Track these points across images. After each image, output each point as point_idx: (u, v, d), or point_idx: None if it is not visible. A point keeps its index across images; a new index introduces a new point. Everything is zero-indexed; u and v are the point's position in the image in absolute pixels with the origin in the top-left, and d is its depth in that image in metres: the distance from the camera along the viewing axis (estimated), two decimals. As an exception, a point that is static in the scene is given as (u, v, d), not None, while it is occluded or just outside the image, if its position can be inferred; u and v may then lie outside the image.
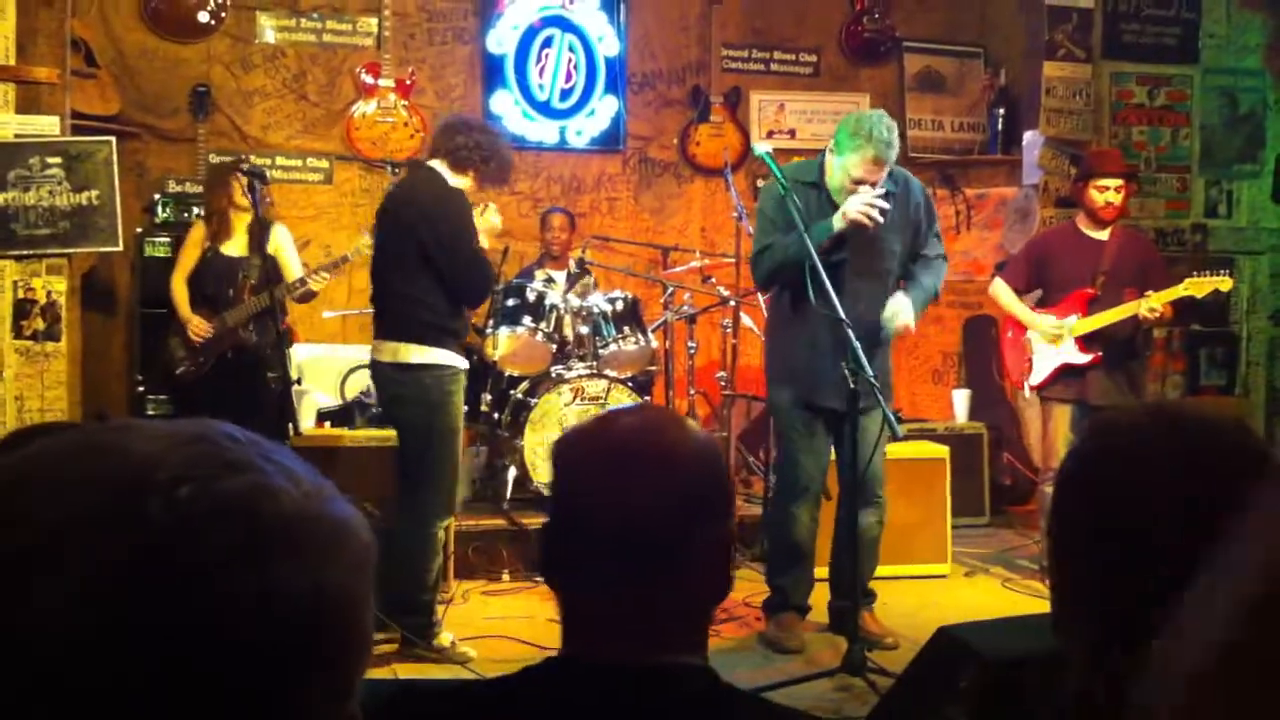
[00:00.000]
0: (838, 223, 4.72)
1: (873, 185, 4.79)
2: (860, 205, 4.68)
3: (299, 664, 0.77)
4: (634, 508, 1.38)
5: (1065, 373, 5.91)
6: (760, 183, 7.98)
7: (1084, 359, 5.86)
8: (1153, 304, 5.63)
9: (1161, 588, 1.11)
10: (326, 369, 7.13)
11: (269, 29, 7.80)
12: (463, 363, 4.88)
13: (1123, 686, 1.18)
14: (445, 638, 4.88)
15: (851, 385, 4.47)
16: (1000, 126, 8.53)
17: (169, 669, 0.72)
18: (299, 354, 6.82)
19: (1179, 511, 1.13)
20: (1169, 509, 1.14)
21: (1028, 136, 8.12)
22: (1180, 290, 5.65)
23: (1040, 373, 5.99)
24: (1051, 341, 5.90)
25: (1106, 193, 5.91)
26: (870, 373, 4.41)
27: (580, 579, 1.43)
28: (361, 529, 0.84)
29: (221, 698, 0.74)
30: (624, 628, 1.39)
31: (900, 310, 4.93)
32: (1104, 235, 5.97)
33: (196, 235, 6.04)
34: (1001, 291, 6.15)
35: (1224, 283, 5.71)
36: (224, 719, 0.74)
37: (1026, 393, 6.21)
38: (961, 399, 7.60)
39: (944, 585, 6.11)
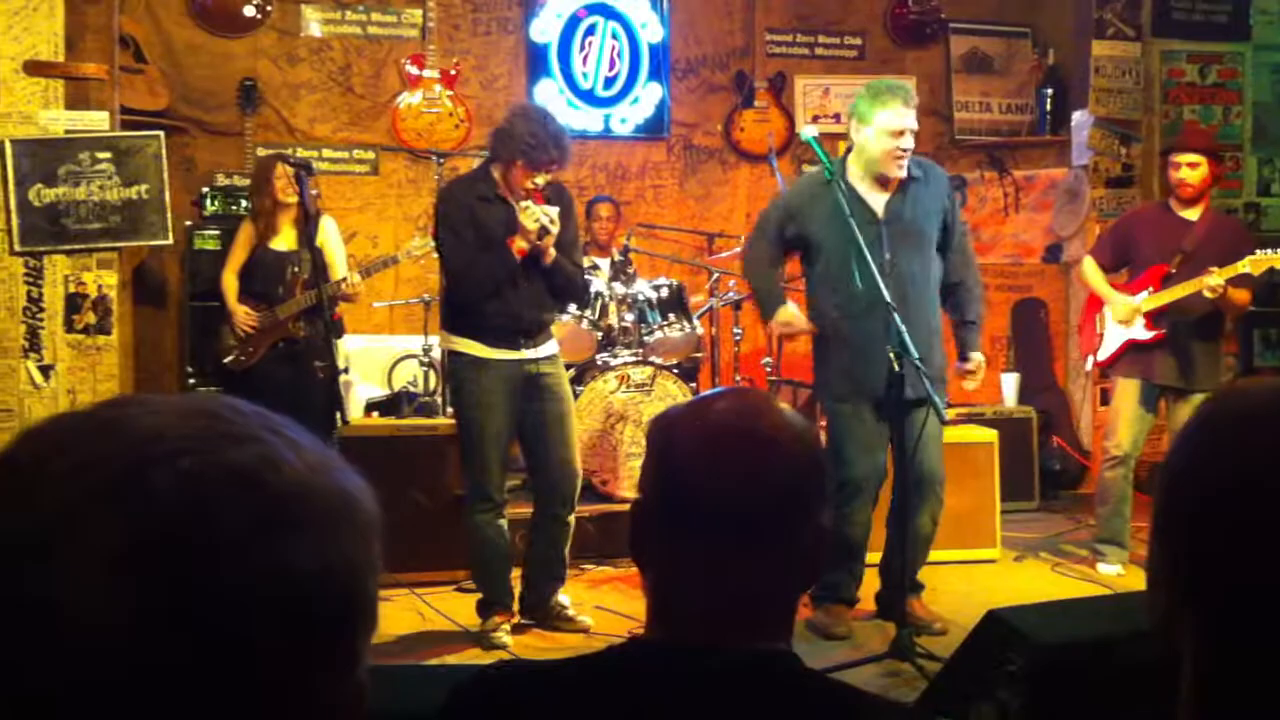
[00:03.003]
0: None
1: (912, 134, 4.84)
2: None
3: (305, 634, 0.78)
4: (736, 488, 1.37)
5: (1131, 349, 5.86)
6: (805, 168, 7.95)
7: (1148, 335, 5.79)
8: (1213, 281, 5.49)
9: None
10: (374, 359, 7.18)
11: (314, 22, 7.84)
12: (483, 349, 4.85)
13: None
14: (495, 623, 4.90)
15: (897, 369, 4.45)
16: (1049, 107, 8.43)
17: (178, 642, 0.73)
18: (347, 344, 6.87)
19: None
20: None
21: (1077, 117, 8.03)
22: (1239, 267, 5.53)
23: (1108, 348, 5.95)
24: (1122, 322, 5.84)
25: (1180, 169, 5.80)
26: (916, 357, 4.39)
27: (674, 559, 1.41)
28: (367, 500, 0.84)
29: (229, 669, 0.74)
30: (716, 610, 1.38)
31: (978, 367, 5.09)
32: (1193, 215, 5.84)
33: (245, 233, 6.10)
34: (1088, 269, 6.11)
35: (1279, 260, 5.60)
36: (232, 690, 0.75)
37: (1089, 365, 6.16)
38: (1010, 383, 7.54)
39: (993, 570, 6.07)
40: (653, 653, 1.41)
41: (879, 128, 4.81)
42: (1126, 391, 5.88)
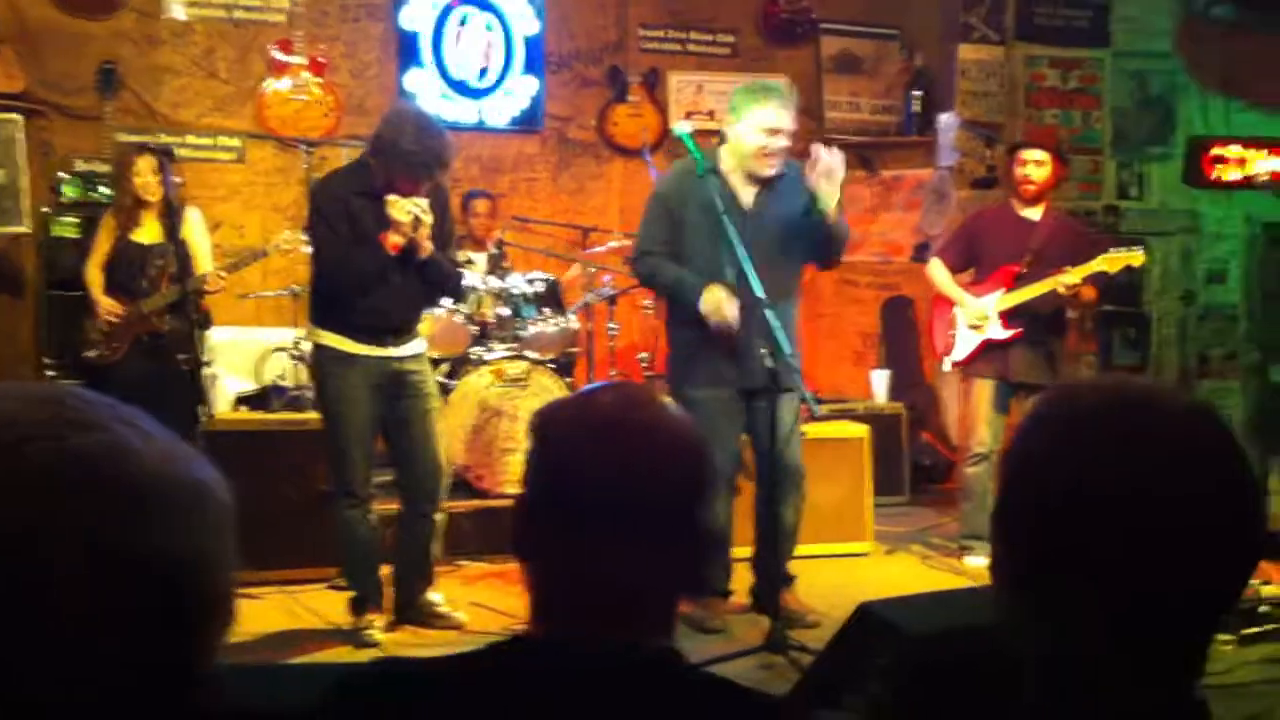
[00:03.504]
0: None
1: (786, 135, 4.83)
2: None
3: (154, 624, 0.75)
4: (617, 480, 1.36)
5: (987, 349, 5.98)
6: (677, 161, 7.97)
7: (1005, 335, 5.93)
8: (1069, 279, 5.68)
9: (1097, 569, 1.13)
10: (243, 352, 7.02)
11: (177, 5, 7.62)
12: (349, 345, 4.78)
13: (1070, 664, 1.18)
14: (367, 620, 4.83)
15: (770, 365, 4.49)
16: (916, 108, 8.60)
17: (16, 627, 0.70)
18: (215, 337, 6.70)
19: (1124, 496, 1.11)
20: (1115, 493, 1.12)
21: (943, 119, 8.19)
22: (1095, 265, 5.71)
23: (963, 349, 6.05)
24: (974, 327, 5.96)
25: (1026, 166, 5.97)
26: (789, 352, 4.44)
27: (556, 552, 1.39)
28: (220, 491, 0.82)
29: (70, 657, 0.72)
30: (597, 605, 1.37)
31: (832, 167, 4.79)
32: (1036, 215, 6.03)
33: (108, 225, 5.91)
34: (935, 270, 6.21)
35: (1136, 257, 5.78)
36: (74, 676, 0.72)
37: (946, 367, 6.27)
38: (881, 379, 7.66)
39: (865, 563, 6.16)
40: (535, 649, 1.39)
41: (753, 124, 4.85)
42: (983, 391, 6.02)
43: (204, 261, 5.84)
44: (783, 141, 4.86)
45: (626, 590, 1.38)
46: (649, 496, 1.37)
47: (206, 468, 0.83)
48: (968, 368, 6.08)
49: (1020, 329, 5.91)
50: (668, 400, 1.53)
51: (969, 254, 6.17)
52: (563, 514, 1.38)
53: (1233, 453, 1.14)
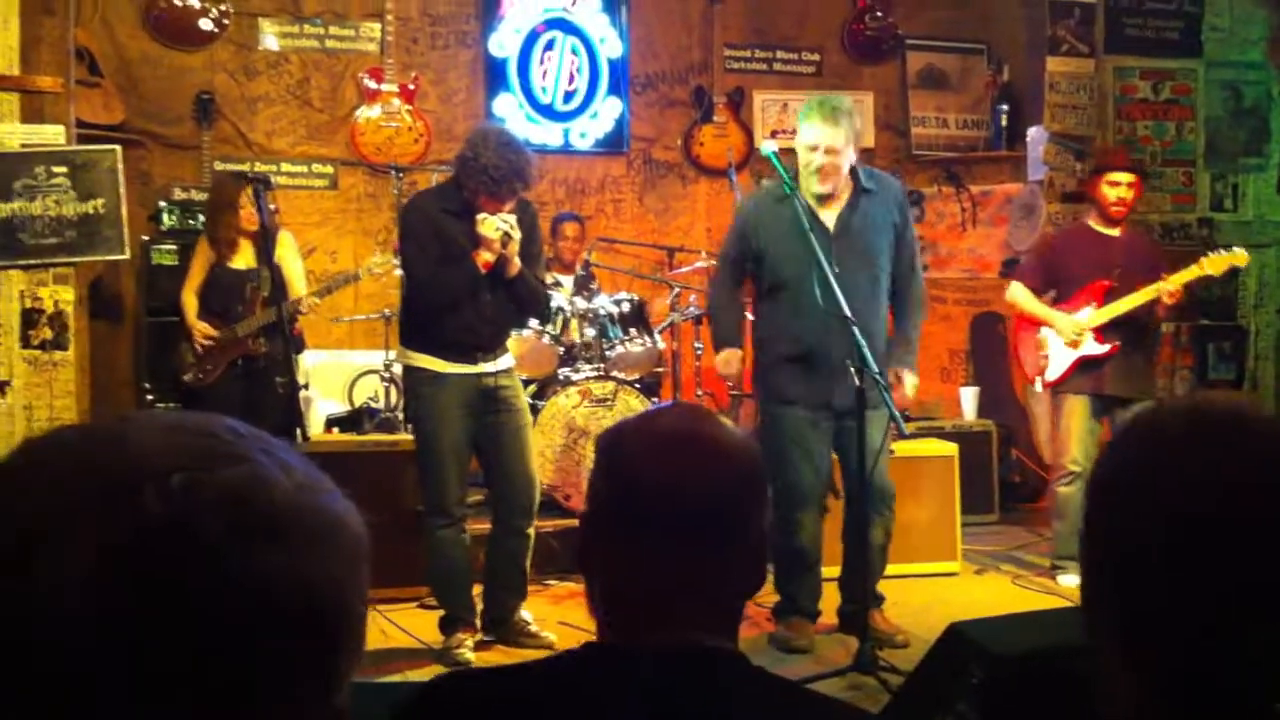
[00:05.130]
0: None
1: (829, 151, 4.83)
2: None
3: (286, 653, 0.78)
4: (681, 491, 1.43)
5: (1082, 366, 5.94)
6: (765, 183, 7.98)
7: (1102, 350, 5.88)
8: (1170, 285, 5.67)
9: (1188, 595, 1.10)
10: (335, 375, 7.15)
11: (271, 35, 7.81)
12: (440, 364, 4.84)
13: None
14: (458, 639, 4.88)
15: (857, 383, 4.48)
16: (1004, 123, 8.53)
17: (159, 655, 0.74)
18: (308, 360, 6.83)
19: (1213, 518, 1.09)
20: (1202, 515, 1.10)
21: (1032, 132, 8.11)
22: (1198, 270, 5.70)
23: (1058, 367, 6.00)
24: (1070, 344, 5.91)
25: (1118, 188, 5.96)
26: (876, 369, 4.42)
27: (623, 563, 1.46)
28: (354, 523, 0.86)
29: (208, 681, 0.75)
30: (664, 612, 1.43)
31: (909, 384, 5.06)
32: (1115, 232, 6.02)
33: (203, 253, 6.07)
34: (1019, 294, 6.18)
35: (1239, 258, 5.75)
36: (211, 705, 0.76)
37: (1038, 388, 6.22)
38: (970, 396, 7.59)
39: (954, 583, 6.10)
40: (605, 654, 1.45)
41: (800, 143, 4.89)
42: (1076, 408, 5.95)
43: (297, 284, 5.98)
44: (825, 158, 4.84)
45: (688, 596, 1.44)
46: (707, 505, 1.44)
47: (342, 500, 0.86)
48: (1061, 386, 6.02)
49: (1117, 343, 5.86)
50: (723, 419, 1.60)
51: (1050, 275, 6.14)
52: (627, 525, 1.46)
53: None
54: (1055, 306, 6.05)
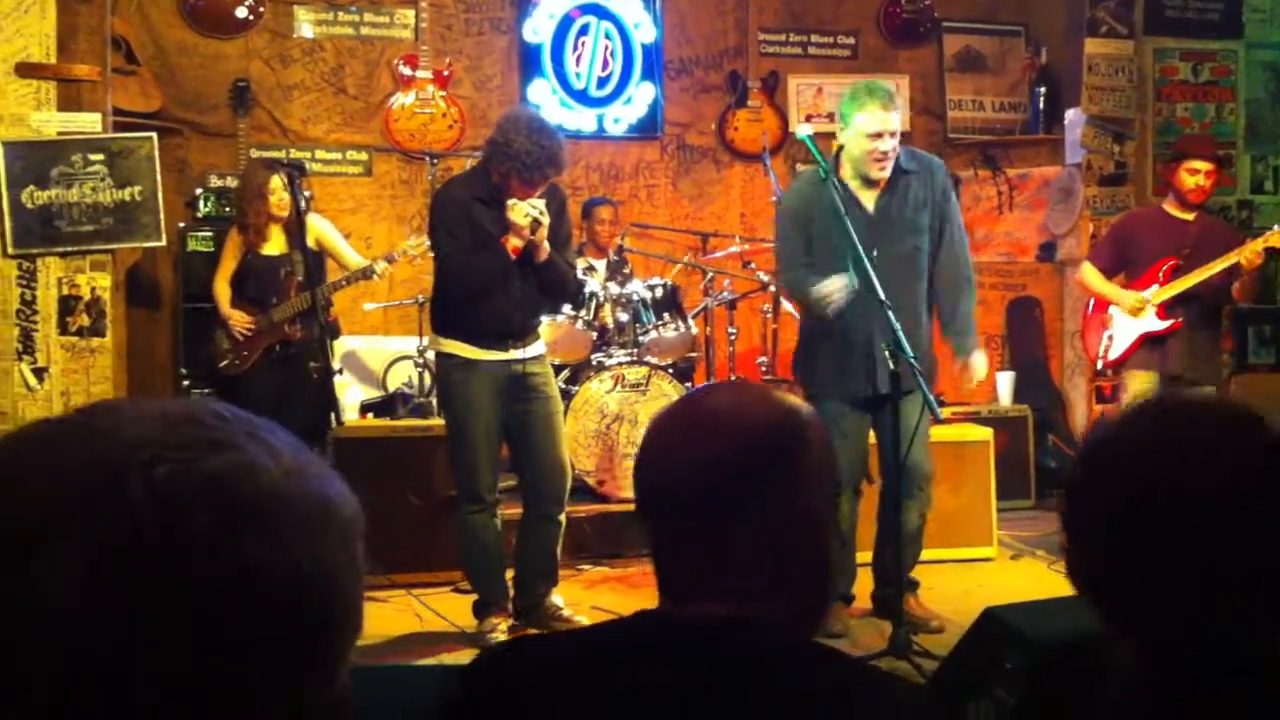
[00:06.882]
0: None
1: (891, 136, 4.81)
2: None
3: (280, 637, 0.78)
4: (718, 468, 1.44)
5: (1145, 343, 5.96)
6: (800, 167, 7.95)
7: (1163, 326, 5.90)
8: (1248, 253, 5.70)
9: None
10: (369, 360, 7.17)
11: (306, 23, 7.83)
12: (472, 350, 4.85)
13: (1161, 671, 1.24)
14: (491, 624, 4.90)
15: (892, 367, 4.46)
16: (1042, 105, 8.44)
17: (156, 653, 0.74)
18: (342, 345, 6.86)
19: (1192, 508, 1.22)
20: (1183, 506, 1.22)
21: (1070, 115, 8.03)
22: (1266, 240, 5.73)
23: (1120, 345, 6.02)
24: (1133, 313, 5.92)
25: (1197, 176, 5.98)
26: (911, 354, 4.40)
27: (656, 540, 1.50)
28: (347, 505, 0.85)
29: (204, 671, 0.75)
30: (704, 585, 1.45)
31: (977, 367, 5.07)
32: (1190, 216, 6.04)
33: (234, 241, 6.11)
34: (1089, 274, 6.20)
35: None
36: (209, 691, 0.75)
37: (1100, 366, 6.25)
38: (1005, 381, 7.54)
39: (989, 568, 6.07)
40: (655, 621, 1.48)
41: (857, 130, 4.84)
42: (1143, 385, 5.95)
43: (349, 256, 6.06)
44: (889, 143, 4.83)
45: (721, 570, 1.45)
46: (701, 483, 1.44)
47: (333, 483, 0.85)
48: (1124, 364, 6.03)
49: (1179, 319, 5.88)
50: (784, 395, 1.57)
51: (1122, 256, 6.15)
52: (653, 503, 1.50)
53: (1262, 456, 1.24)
54: (1126, 285, 6.06)
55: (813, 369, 5.07)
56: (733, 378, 7.16)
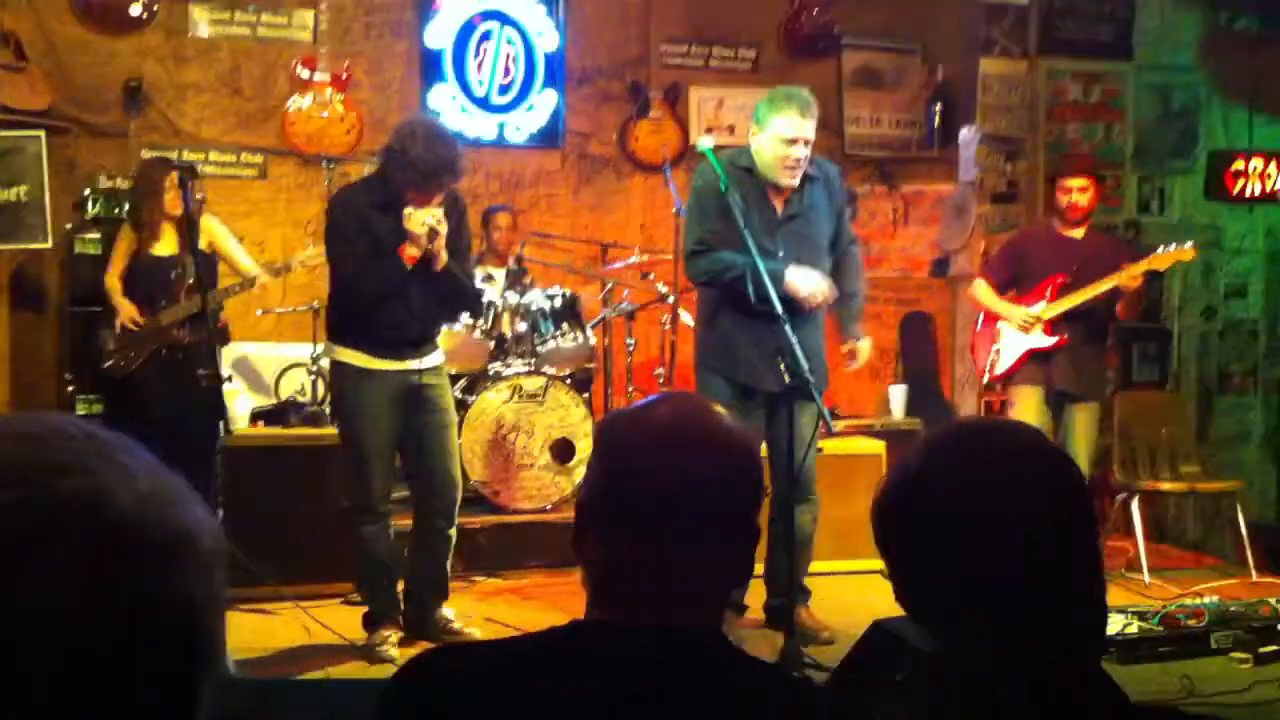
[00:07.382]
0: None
1: (805, 144, 4.84)
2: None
3: (132, 672, 0.75)
4: (679, 482, 1.46)
5: (1031, 359, 6.09)
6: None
7: (1049, 342, 6.02)
8: (1129, 275, 5.86)
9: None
10: (261, 367, 7.06)
11: (202, 23, 7.69)
12: (368, 360, 4.79)
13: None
14: (382, 636, 4.83)
15: (787, 380, 4.49)
16: (937, 123, 8.58)
17: (6, 680, 0.70)
18: (232, 352, 6.74)
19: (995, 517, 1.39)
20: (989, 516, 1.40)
21: (964, 133, 8.17)
22: (1147, 264, 5.90)
23: (1007, 360, 6.15)
24: (1022, 329, 6.05)
25: (1071, 193, 6.14)
26: (806, 367, 4.43)
27: (616, 549, 1.49)
28: (206, 533, 0.82)
29: (49, 707, 0.72)
30: (653, 596, 1.47)
31: (863, 351, 5.16)
32: (1078, 234, 6.19)
33: (126, 238, 5.97)
34: (980, 289, 6.34)
35: (1186, 254, 5.98)
36: None
37: (985, 380, 6.39)
38: (898, 395, 7.63)
39: (880, 581, 6.08)
40: (596, 631, 1.49)
41: (773, 134, 4.85)
42: (1029, 400, 6.08)
43: (244, 262, 5.94)
44: (802, 151, 4.86)
45: (680, 577, 1.48)
46: (700, 498, 1.47)
47: (192, 509, 0.82)
48: (1011, 378, 6.15)
49: (1065, 336, 6.01)
50: (722, 411, 1.62)
51: (1014, 273, 6.30)
52: (618, 514, 1.49)
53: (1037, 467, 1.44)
54: (1015, 300, 6.19)
55: (715, 365, 5.01)
56: (630, 389, 7.17)
